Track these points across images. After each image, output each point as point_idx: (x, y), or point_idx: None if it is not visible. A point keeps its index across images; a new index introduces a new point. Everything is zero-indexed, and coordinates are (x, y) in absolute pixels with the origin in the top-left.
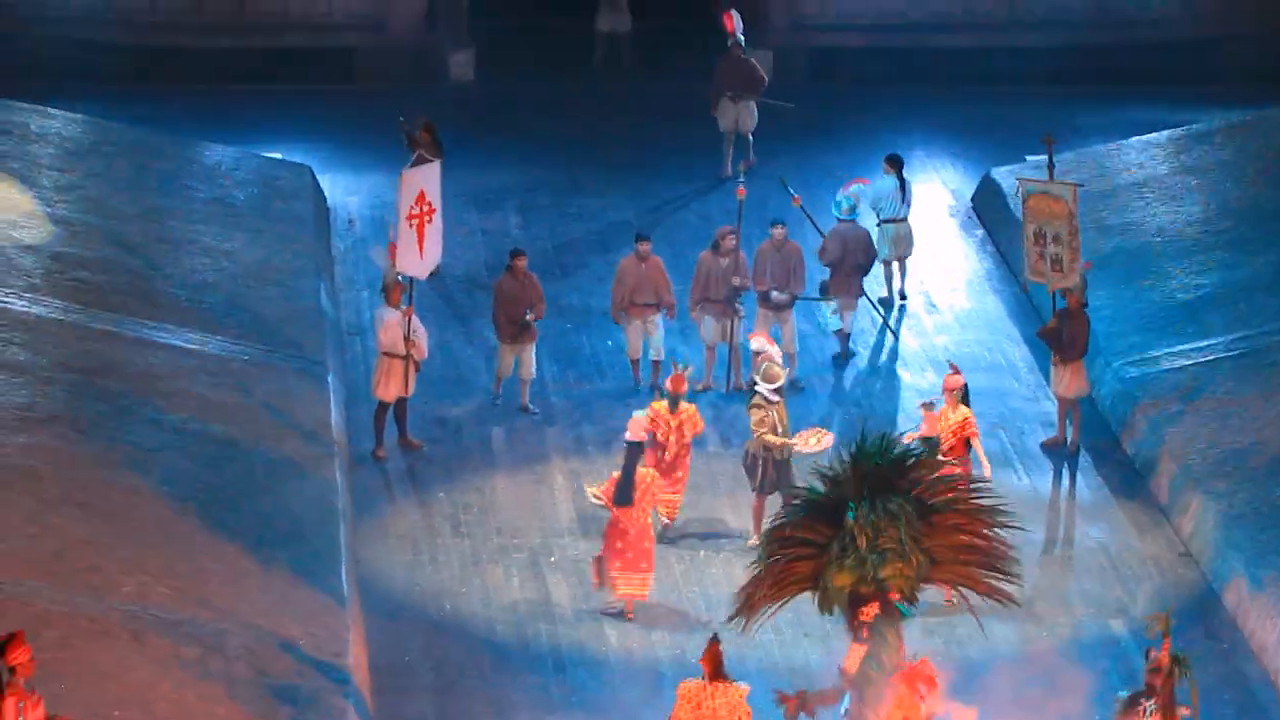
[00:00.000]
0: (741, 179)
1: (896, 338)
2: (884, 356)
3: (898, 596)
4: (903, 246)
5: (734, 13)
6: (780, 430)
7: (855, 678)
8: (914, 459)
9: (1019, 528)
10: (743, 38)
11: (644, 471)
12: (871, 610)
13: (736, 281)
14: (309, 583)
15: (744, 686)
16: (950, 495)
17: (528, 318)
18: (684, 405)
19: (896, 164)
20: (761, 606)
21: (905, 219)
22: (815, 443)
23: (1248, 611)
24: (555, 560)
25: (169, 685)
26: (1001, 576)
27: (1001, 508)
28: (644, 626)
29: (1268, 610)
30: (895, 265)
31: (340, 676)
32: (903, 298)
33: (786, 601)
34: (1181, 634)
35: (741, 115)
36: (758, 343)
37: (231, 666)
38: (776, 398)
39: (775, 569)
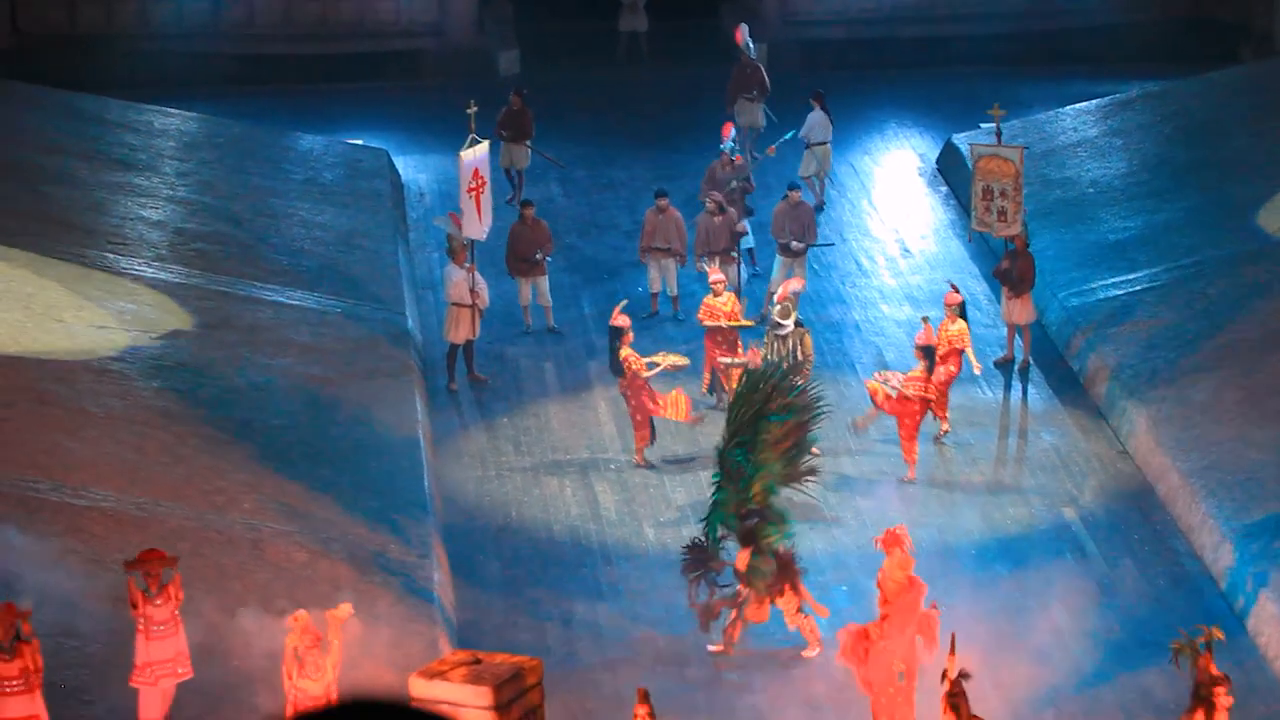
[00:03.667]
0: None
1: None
2: (866, 293)
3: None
4: (826, 164)
5: (743, 27)
6: (782, 356)
7: (745, 574)
8: (776, 387)
9: (822, 410)
10: (751, 48)
11: (627, 351)
12: (750, 522)
13: (736, 228)
14: (397, 496)
15: None
16: (789, 401)
17: (538, 256)
18: (728, 295)
19: (821, 98)
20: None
21: (827, 142)
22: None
23: (1175, 498)
24: (601, 471)
25: (284, 585)
26: (803, 462)
27: (817, 402)
28: (677, 525)
29: (1192, 496)
30: (817, 182)
31: (426, 574)
32: (821, 207)
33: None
34: (1121, 518)
35: (754, 114)
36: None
37: (336, 568)
38: (785, 331)
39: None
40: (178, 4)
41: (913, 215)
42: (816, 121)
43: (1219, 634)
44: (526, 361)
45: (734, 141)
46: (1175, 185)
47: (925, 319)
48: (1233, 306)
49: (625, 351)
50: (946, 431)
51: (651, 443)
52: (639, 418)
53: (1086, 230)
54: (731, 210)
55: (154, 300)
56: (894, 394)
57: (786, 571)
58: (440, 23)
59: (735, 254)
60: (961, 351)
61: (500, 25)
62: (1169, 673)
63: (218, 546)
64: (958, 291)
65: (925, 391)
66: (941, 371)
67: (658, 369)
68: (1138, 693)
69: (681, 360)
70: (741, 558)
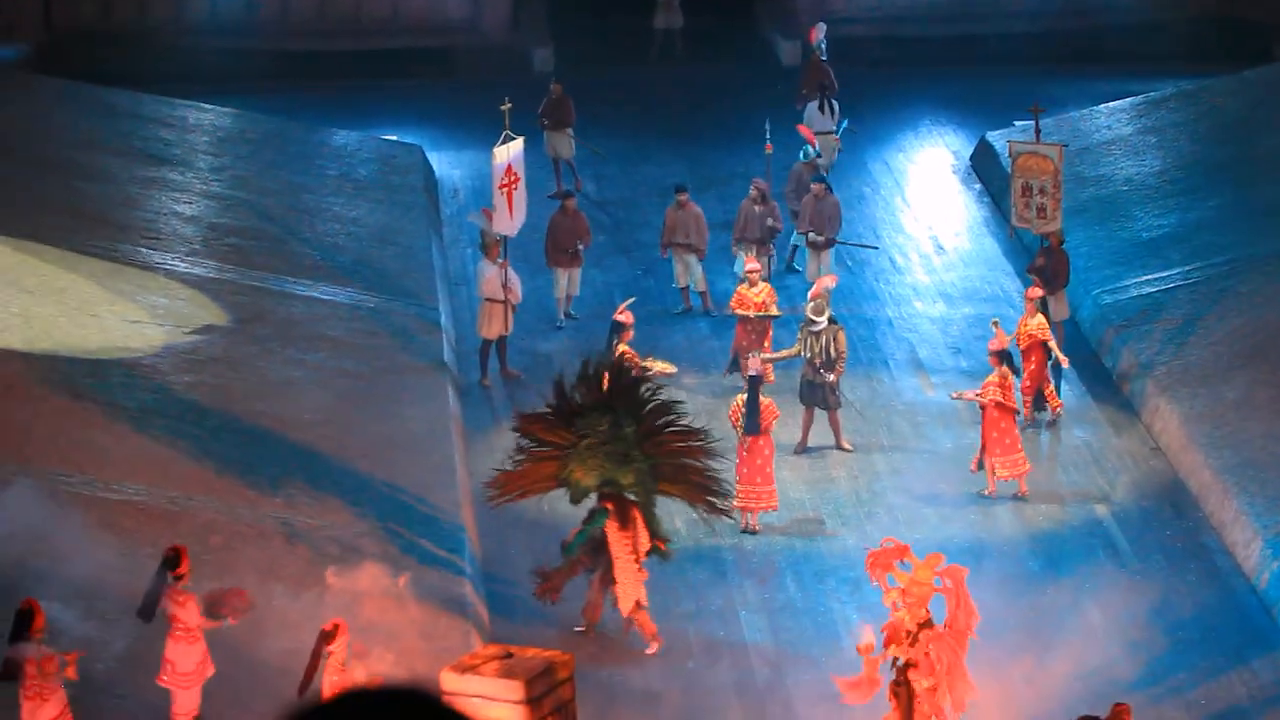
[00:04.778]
0: (767, 136)
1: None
2: (900, 290)
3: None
4: (830, 155)
5: (820, 25)
6: (815, 351)
7: (565, 543)
8: (643, 385)
9: (720, 455)
10: (824, 47)
11: (766, 400)
12: (608, 504)
13: (770, 222)
14: (429, 491)
15: None
16: (668, 419)
17: (579, 247)
18: (762, 285)
19: (822, 89)
20: (511, 493)
21: (829, 132)
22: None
23: (1208, 494)
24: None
25: (317, 578)
26: (714, 497)
27: (705, 435)
28: (708, 519)
29: (1224, 493)
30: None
31: (459, 568)
32: None
33: (537, 492)
34: (1154, 515)
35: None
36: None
37: (368, 562)
38: (819, 327)
39: (525, 465)
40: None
41: (947, 212)
42: (813, 111)
43: None
44: (559, 357)
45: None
46: (1208, 183)
47: (996, 322)
48: (1265, 304)
49: (621, 348)
50: (1059, 412)
51: None
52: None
53: (1120, 228)
54: (774, 202)
55: (187, 295)
56: (979, 403)
57: (596, 558)
58: (475, 19)
59: (770, 245)
60: (1044, 343)
61: (535, 22)
62: (1200, 669)
63: (249, 541)
64: (1040, 286)
65: (1003, 398)
66: (1028, 365)
67: (648, 374)
68: (1170, 689)
69: (669, 368)
70: (572, 531)
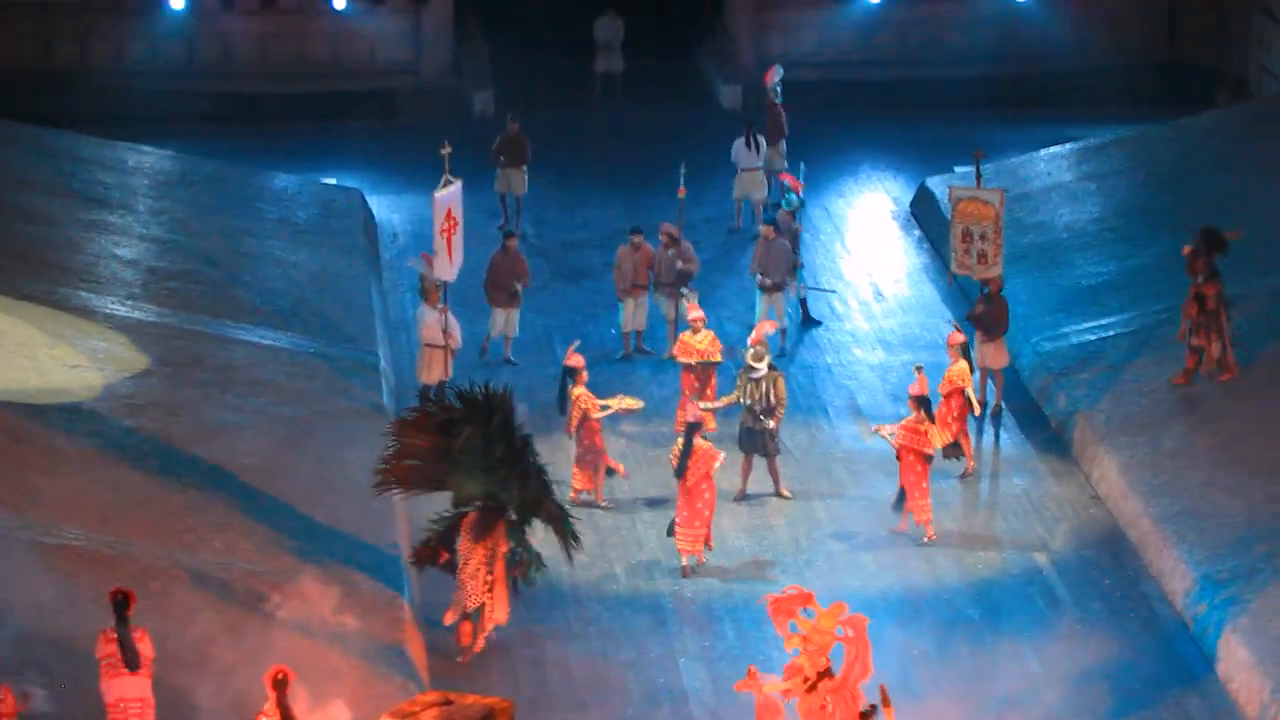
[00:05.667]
0: (681, 180)
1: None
2: (839, 337)
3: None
4: (757, 191)
5: (775, 68)
6: (755, 398)
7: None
8: (515, 418)
9: (552, 481)
10: (779, 89)
11: (705, 445)
12: (472, 517)
13: (680, 265)
14: (369, 538)
15: None
16: (531, 454)
17: (516, 287)
18: (705, 333)
19: (749, 124)
20: (390, 487)
21: (754, 169)
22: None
23: (1147, 543)
24: (572, 512)
25: (256, 623)
26: (566, 533)
27: (545, 478)
28: (648, 567)
29: (1163, 541)
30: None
31: (398, 613)
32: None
33: (421, 491)
34: (1093, 563)
35: (770, 157)
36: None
37: (308, 609)
38: (759, 374)
39: (398, 463)
40: (153, 41)
41: (886, 259)
42: (739, 148)
43: None
44: None
45: (800, 196)
46: (1148, 230)
47: (919, 368)
48: None
49: (578, 391)
50: (972, 469)
51: (609, 476)
52: (589, 458)
53: (1060, 275)
54: (686, 243)
55: (126, 339)
56: (891, 443)
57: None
58: (416, 62)
59: (686, 290)
60: (963, 390)
61: (476, 66)
62: (1140, 717)
63: (187, 586)
64: (960, 331)
65: (919, 444)
66: (950, 409)
67: (609, 411)
68: None
69: (635, 403)
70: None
